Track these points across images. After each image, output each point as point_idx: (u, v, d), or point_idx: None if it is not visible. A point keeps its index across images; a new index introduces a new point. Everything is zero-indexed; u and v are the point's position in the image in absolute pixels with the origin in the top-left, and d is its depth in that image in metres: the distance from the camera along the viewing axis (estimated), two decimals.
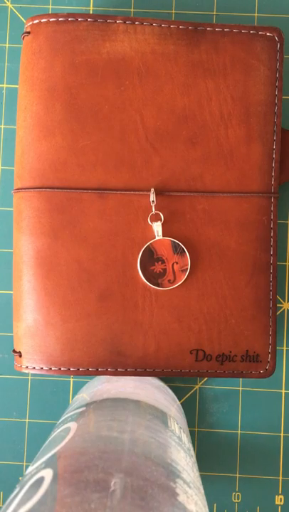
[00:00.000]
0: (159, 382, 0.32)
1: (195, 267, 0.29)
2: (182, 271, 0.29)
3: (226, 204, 0.29)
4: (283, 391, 0.34)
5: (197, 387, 0.34)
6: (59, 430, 0.23)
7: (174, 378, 0.34)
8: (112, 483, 0.16)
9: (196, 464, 0.24)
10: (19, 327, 0.29)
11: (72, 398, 0.33)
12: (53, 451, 0.20)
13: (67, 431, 0.22)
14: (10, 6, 0.35)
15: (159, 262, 0.29)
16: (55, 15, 0.29)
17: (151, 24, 0.29)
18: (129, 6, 0.35)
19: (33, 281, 0.29)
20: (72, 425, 0.22)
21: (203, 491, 0.22)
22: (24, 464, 0.34)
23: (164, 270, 0.29)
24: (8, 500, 0.17)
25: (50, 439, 0.23)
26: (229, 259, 0.29)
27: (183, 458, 0.21)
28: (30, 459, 0.34)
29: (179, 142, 0.29)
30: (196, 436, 0.34)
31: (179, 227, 0.29)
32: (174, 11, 0.35)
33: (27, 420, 0.34)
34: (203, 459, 0.34)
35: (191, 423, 0.34)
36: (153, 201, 0.29)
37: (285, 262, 0.34)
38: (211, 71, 0.29)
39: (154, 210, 0.29)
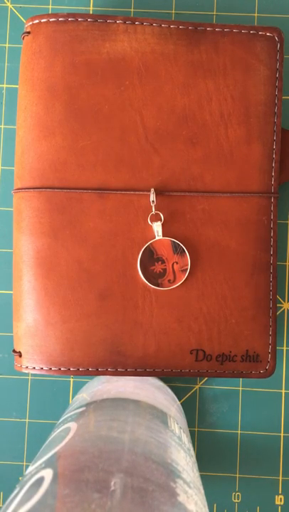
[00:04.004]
0: (159, 382, 0.32)
1: (195, 267, 0.29)
2: (182, 271, 0.29)
3: (226, 204, 0.29)
4: (283, 391, 0.34)
5: (197, 387, 0.34)
6: (59, 430, 0.23)
7: (174, 378, 0.34)
8: (112, 482, 0.16)
9: (196, 464, 0.24)
10: (19, 327, 0.29)
11: (72, 398, 0.33)
12: (53, 451, 0.20)
13: (67, 431, 0.22)
14: (10, 6, 0.35)
15: (159, 262, 0.29)
16: (55, 15, 0.29)
17: (151, 24, 0.29)
18: (129, 6, 0.35)
19: (33, 281, 0.29)
20: (72, 425, 0.22)
21: (203, 491, 0.22)
22: (24, 463, 0.34)
23: (164, 270, 0.29)
24: (8, 500, 0.17)
25: (50, 439, 0.23)
26: (229, 259, 0.29)
27: (183, 458, 0.21)
28: (30, 459, 0.34)
29: (179, 142, 0.29)
30: (196, 436, 0.34)
31: (179, 227, 0.29)
32: (174, 11, 0.35)
33: (27, 420, 0.34)
34: (203, 459, 0.34)
35: (191, 423, 0.34)
36: (153, 201, 0.29)
37: (285, 262, 0.34)
38: (211, 71, 0.29)
39: (154, 210, 0.29)
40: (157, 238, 0.29)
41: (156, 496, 0.16)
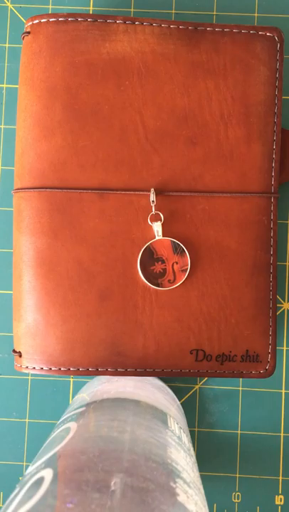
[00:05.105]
0: (159, 382, 0.32)
1: (195, 267, 0.29)
2: (182, 271, 0.29)
3: (226, 204, 0.29)
4: (283, 391, 0.34)
5: (197, 387, 0.34)
6: (59, 430, 0.23)
7: (174, 378, 0.34)
8: (112, 482, 0.16)
9: (196, 464, 0.24)
10: (19, 327, 0.29)
11: (72, 398, 0.33)
12: (53, 451, 0.20)
13: (67, 431, 0.22)
14: (10, 6, 0.35)
15: (159, 262, 0.29)
16: (55, 15, 0.29)
17: (151, 24, 0.29)
18: (129, 6, 0.35)
19: (33, 281, 0.29)
20: (72, 425, 0.22)
21: (203, 491, 0.22)
22: (24, 463, 0.34)
23: (164, 270, 0.29)
24: (8, 500, 0.17)
25: (50, 439, 0.23)
26: (229, 259, 0.29)
27: (183, 458, 0.21)
28: (30, 459, 0.34)
29: (179, 142, 0.29)
30: (196, 436, 0.34)
31: (179, 227, 0.29)
32: (174, 11, 0.35)
33: (27, 420, 0.34)
34: (203, 459, 0.34)
35: (191, 423, 0.34)
36: (153, 201, 0.29)
37: (285, 262, 0.34)
38: (211, 71, 0.29)
39: (154, 210, 0.29)
40: (157, 238, 0.29)
41: (156, 495, 0.16)
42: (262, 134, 0.30)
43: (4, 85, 0.35)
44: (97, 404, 0.24)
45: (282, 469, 0.34)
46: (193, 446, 0.34)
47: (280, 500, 0.33)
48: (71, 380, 0.34)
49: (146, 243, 0.29)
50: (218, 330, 0.29)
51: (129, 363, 0.29)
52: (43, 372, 0.29)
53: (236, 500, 0.33)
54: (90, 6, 0.35)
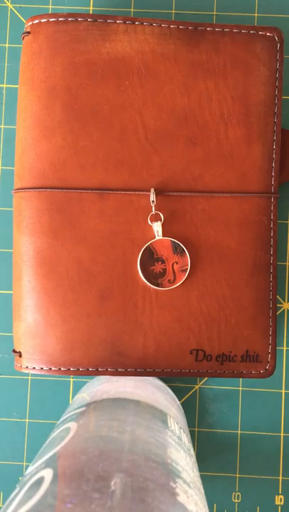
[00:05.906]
0: (159, 382, 0.32)
1: (195, 267, 0.29)
2: (182, 271, 0.29)
3: (226, 204, 0.29)
4: (283, 391, 0.34)
5: (197, 387, 0.34)
6: (59, 430, 0.23)
7: (174, 378, 0.34)
8: (113, 483, 0.16)
9: (196, 464, 0.24)
10: (19, 327, 0.29)
11: (72, 398, 0.33)
12: (53, 451, 0.20)
13: (67, 431, 0.22)
14: (10, 6, 0.35)
15: (159, 262, 0.29)
16: (55, 15, 0.29)
17: (151, 24, 0.29)
18: (129, 6, 0.35)
19: (33, 281, 0.29)
20: (72, 425, 0.22)
21: (203, 491, 0.22)
22: (24, 464, 0.34)
23: (164, 270, 0.29)
24: (8, 500, 0.17)
25: (50, 439, 0.23)
26: (229, 259, 0.29)
27: (183, 458, 0.21)
28: (30, 459, 0.34)
29: (179, 142, 0.29)
30: (196, 436, 0.34)
31: (179, 227, 0.29)
32: (174, 11, 0.35)
33: (27, 420, 0.34)
34: (203, 459, 0.34)
35: (191, 423, 0.34)
36: (153, 201, 0.29)
37: (285, 262, 0.34)
38: (211, 71, 0.29)
39: (154, 210, 0.29)
40: (157, 238, 0.29)
41: (156, 495, 0.16)
42: (262, 134, 0.30)
43: (4, 85, 0.35)
44: (97, 404, 0.24)
45: (282, 469, 0.34)
46: (193, 446, 0.34)
47: (280, 501, 0.33)
48: (71, 380, 0.34)
49: (146, 243, 0.29)
50: (218, 330, 0.29)
51: (129, 363, 0.29)
52: (43, 372, 0.29)
53: (236, 500, 0.33)
54: (90, 6, 0.35)
